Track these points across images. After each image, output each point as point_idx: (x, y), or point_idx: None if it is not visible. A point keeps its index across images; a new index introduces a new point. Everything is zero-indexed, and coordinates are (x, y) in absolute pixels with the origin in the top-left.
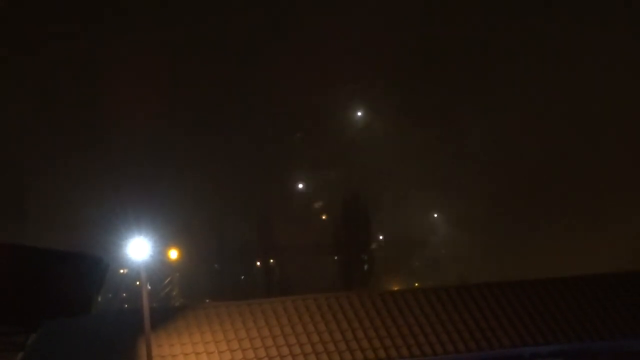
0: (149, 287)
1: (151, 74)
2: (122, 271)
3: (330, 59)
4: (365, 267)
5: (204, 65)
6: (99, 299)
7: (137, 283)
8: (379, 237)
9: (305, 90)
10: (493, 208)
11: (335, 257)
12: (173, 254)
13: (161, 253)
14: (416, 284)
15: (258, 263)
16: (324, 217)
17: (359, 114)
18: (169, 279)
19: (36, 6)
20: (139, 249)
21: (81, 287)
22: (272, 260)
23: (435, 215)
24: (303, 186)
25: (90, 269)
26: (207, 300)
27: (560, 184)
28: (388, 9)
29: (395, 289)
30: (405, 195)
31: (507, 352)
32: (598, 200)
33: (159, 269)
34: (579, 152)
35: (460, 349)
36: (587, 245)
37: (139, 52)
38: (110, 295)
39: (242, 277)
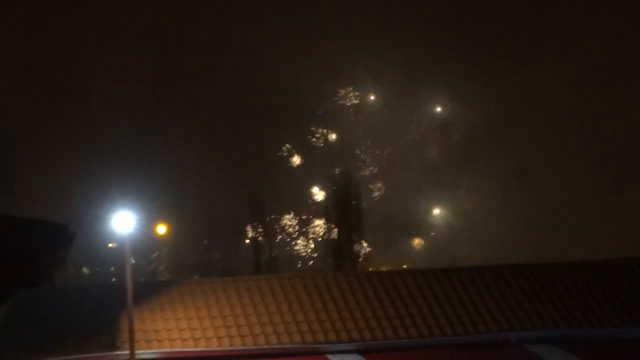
0: (133, 261)
1: (137, 42)
2: (110, 245)
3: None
4: (356, 247)
5: (192, 30)
6: (87, 271)
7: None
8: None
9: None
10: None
11: (326, 237)
12: (161, 229)
13: (148, 227)
14: (404, 266)
15: (247, 240)
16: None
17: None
18: (156, 254)
19: None
20: (123, 222)
21: (43, 256)
22: (261, 238)
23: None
24: (297, 161)
25: (53, 238)
26: (195, 277)
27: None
28: None
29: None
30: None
31: (494, 337)
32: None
33: (146, 244)
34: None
35: (447, 332)
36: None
37: (125, 17)
38: (98, 268)
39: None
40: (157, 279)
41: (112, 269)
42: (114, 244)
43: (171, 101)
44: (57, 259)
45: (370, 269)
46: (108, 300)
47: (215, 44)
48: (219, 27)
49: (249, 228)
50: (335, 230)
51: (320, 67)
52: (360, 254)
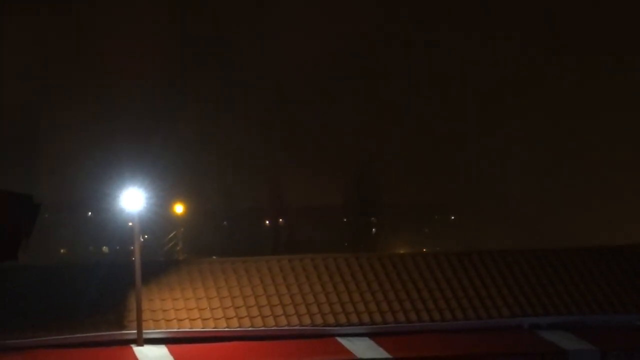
0: (142, 239)
1: (151, 21)
2: (130, 224)
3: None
4: (374, 230)
5: (218, 9)
6: (107, 250)
7: (146, 236)
8: None
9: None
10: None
11: (345, 220)
12: (179, 208)
13: (164, 207)
14: (424, 250)
15: (267, 222)
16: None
17: None
18: (173, 233)
19: None
20: (132, 199)
21: (5, 229)
22: (281, 220)
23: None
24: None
25: (16, 209)
26: (214, 257)
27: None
28: None
29: (396, 252)
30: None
31: (506, 322)
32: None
33: (163, 223)
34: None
35: (458, 316)
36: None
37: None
38: (118, 247)
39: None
40: (173, 258)
41: (132, 247)
42: None
43: (189, 80)
44: (21, 233)
45: (382, 251)
46: (116, 279)
47: (241, 24)
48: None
49: (268, 209)
50: (355, 213)
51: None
52: (379, 236)
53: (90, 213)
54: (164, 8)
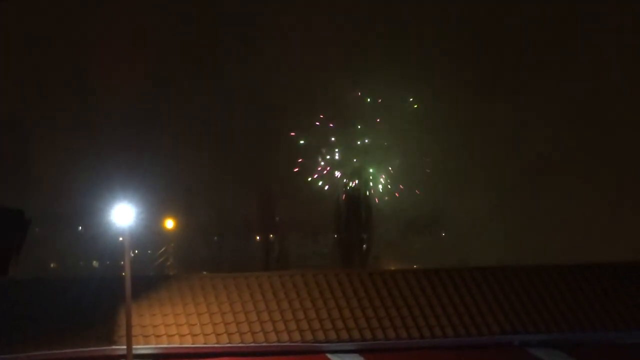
0: (133, 254)
1: (139, 32)
2: (121, 239)
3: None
4: (364, 246)
5: (203, 27)
6: (97, 264)
7: (136, 251)
8: None
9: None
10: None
11: (335, 236)
12: (169, 223)
13: (154, 222)
14: (414, 266)
15: (258, 237)
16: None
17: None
18: (163, 248)
19: None
20: (123, 214)
21: None
22: (271, 236)
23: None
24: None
25: (6, 225)
26: (204, 273)
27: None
28: None
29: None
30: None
31: (496, 339)
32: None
33: (154, 238)
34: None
35: (449, 334)
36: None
37: (126, 10)
38: (108, 262)
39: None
40: (164, 273)
41: (122, 262)
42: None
43: (176, 95)
44: (11, 248)
45: (373, 267)
46: (107, 294)
47: (226, 39)
48: (229, 25)
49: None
50: (345, 228)
51: (331, 65)
52: (370, 252)
53: (80, 227)
54: (155, 17)
